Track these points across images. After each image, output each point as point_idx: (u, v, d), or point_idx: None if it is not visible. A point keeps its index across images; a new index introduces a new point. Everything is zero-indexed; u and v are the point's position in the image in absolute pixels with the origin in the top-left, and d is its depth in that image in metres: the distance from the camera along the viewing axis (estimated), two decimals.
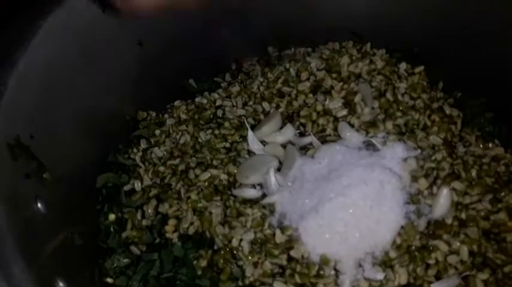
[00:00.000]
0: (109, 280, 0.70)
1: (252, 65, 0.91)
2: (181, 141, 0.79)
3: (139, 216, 0.73)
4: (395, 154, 0.69)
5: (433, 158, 0.69)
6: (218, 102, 0.83)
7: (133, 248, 0.71)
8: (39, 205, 0.59)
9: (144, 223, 0.72)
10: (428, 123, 0.74)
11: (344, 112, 0.76)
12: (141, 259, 0.70)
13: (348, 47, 0.86)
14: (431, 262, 0.64)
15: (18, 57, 0.60)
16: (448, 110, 0.76)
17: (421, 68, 0.81)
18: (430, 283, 0.63)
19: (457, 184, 0.67)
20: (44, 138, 0.63)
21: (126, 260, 0.70)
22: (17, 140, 0.57)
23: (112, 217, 0.74)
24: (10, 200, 0.52)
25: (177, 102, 0.86)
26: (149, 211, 0.73)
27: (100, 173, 0.75)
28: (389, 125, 0.73)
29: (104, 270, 0.70)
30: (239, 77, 0.89)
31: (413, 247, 0.64)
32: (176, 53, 0.87)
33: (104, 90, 0.78)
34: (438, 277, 0.63)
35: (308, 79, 0.81)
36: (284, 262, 0.65)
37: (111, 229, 0.73)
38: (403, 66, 0.82)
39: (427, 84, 0.80)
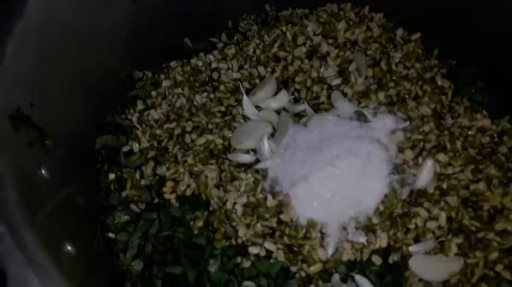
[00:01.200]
0: (111, 234, 0.75)
1: (248, 24, 0.90)
2: (177, 105, 0.80)
3: (138, 176, 0.76)
4: (385, 126, 0.70)
5: (420, 129, 0.71)
6: (214, 65, 0.84)
7: (133, 207, 0.75)
8: (43, 171, 0.61)
9: (143, 182, 0.75)
10: (420, 93, 0.75)
11: (338, 81, 0.76)
12: (141, 217, 0.74)
13: (345, 9, 0.85)
14: (411, 226, 0.68)
15: (13, 24, 0.59)
16: (439, 81, 0.77)
17: (418, 35, 0.81)
18: (409, 245, 0.67)
19: (441, 156, 0.69)
20: (43, 104, 0.64)
21: (126, 217, 0.75)
22: (18, 111, 0.58)
23: (112, 176, 0.77)
24: (16, 171, 0.55)
25: (172, 63, 0.86)
26: (147, 171, 0.75)
27: (99, 135, 0.77)
28: (381, 95, 0.74)
29: (105, 226, 0.75)
30: (235, 38, 0.88)
31: (395, 214, 0.68)
32: (171, 10, 0.86)
33: (99, 49, 0.78)
34: (417, 241, 0.68)
35: (304, 44, 0.81)
36: (274, 225, 0.68)
37: (112, 188, 0.77)
38: (399, 32, 0.82)
39: (422, 52, 0.81)
